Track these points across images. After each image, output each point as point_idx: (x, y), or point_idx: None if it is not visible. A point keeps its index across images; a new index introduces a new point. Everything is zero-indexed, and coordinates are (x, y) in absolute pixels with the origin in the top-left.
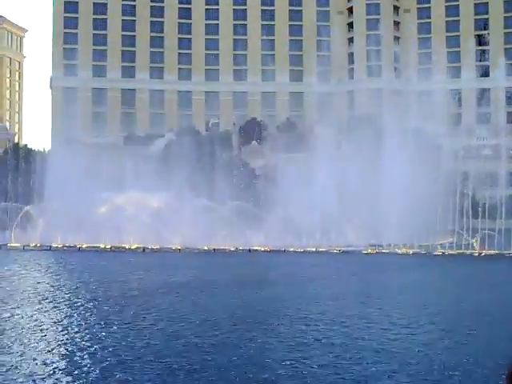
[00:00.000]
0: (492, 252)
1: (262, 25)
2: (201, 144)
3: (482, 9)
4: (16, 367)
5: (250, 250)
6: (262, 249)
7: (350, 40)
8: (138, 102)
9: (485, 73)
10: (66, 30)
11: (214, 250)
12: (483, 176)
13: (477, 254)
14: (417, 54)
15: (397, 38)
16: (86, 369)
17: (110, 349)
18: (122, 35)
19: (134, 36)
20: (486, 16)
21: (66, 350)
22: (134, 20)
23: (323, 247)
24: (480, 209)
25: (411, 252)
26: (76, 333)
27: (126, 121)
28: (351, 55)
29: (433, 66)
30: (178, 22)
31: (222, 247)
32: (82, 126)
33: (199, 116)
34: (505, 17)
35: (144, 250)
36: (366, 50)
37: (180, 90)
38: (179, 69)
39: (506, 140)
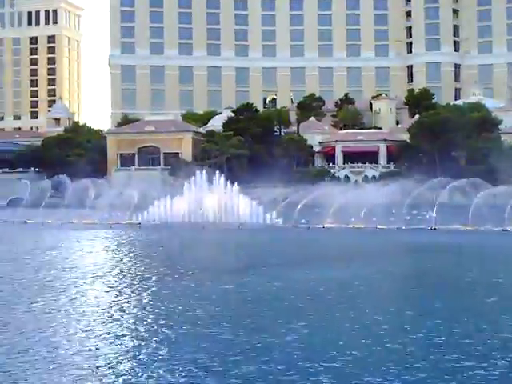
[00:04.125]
0: None
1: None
2: (258, 121)
3: None
4: None
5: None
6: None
7: (408, 14)
8: (196, 79)
9: None
10: (123, 8)
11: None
12: None
13: None
14: (476, 27)
15: (456, 11)
16: None
17: None
18: (179, 12)
19: (191, 13)
20: None
21: None
22: None
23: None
24: None
25: None
26: None
27: (183, 98)
28: (409, 29)
29: (494, 38)
30: None
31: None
32: (140, 104)
33: (256, 93)
34: None
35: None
36: (424, 24)
37: (237, 66)
38: (236, 45)
39: None
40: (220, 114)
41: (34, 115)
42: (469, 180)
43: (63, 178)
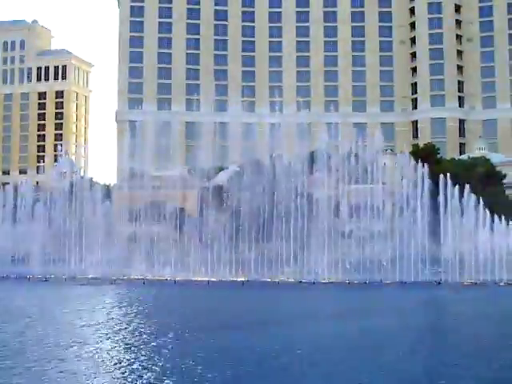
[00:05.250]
0: None
1: (324, 56)
2: (265, 176)
3: None
4: None
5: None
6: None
7: (414, 70)
8: (203, 134)
9: None
10: (131, 65)
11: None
12: None
13: None
14: (480, 83)
15: (460, 67)
16: None
17: None
18: (187, 68)
19: (199, 69)
20: None
21: None
22: (198, 53)
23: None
24: None
25: None
26: None
27: (190, 153)
28: (414, 85)
29: (497, 94)
30: (242, 55)
31: None
32: (147, 159)
33: (263, 148)
34: None
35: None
36: (430, 80)
37: (244, 121)
38: (243, 101)
39: None
40: (226, 168)
41: (41, 170)
42: None
43: None
